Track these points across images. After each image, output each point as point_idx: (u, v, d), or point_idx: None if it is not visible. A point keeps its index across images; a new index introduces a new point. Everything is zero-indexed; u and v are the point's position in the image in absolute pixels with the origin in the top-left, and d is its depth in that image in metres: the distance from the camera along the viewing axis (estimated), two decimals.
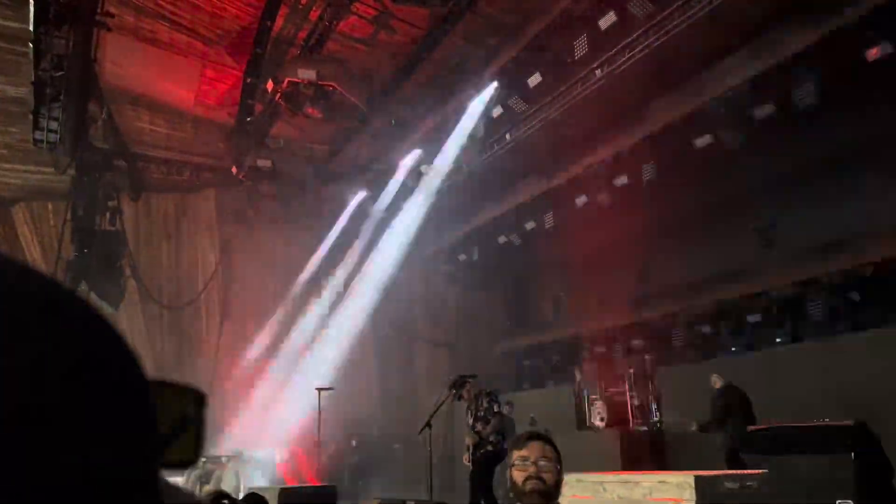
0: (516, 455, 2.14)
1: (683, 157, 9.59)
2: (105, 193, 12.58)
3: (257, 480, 10.86)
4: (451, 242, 14.50)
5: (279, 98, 10.09)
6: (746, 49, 8.61)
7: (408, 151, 12.60)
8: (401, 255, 13.20)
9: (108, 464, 0.34)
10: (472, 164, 11.66)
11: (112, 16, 8.87)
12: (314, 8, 9.32)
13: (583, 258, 12.14)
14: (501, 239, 13.18)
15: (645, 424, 10.62)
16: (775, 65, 8.26)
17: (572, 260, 12.72)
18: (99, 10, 8.74)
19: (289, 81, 9.74)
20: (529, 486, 2.07)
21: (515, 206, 12.73)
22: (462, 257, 14.49)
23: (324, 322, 14.08)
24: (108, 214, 12.62)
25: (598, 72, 9.04)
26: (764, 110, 8.50)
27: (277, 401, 12.87)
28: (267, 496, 3.97)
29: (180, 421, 0.45)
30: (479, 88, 10.52)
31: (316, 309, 14.28)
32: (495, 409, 7.34)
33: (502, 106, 10.30)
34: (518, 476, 2.10)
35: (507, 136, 10.92)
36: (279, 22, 9.48)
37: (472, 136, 11.09)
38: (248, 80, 10.31)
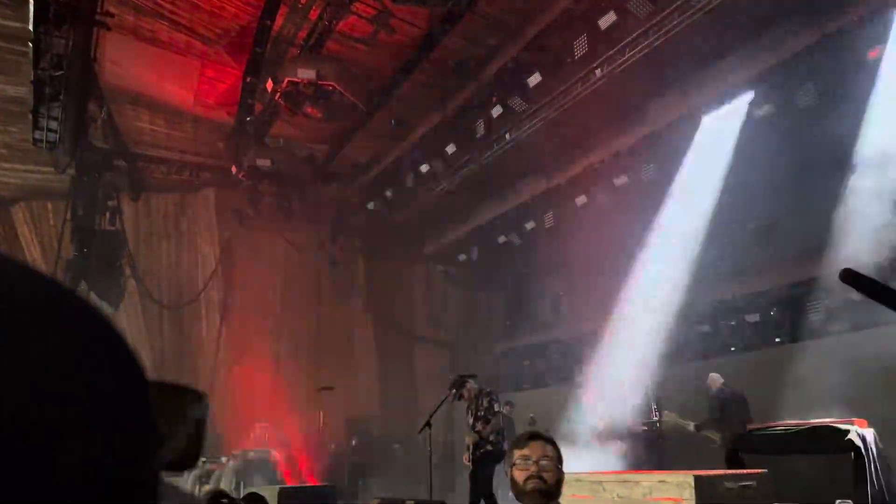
0: (518, 454, 2.14)
1: (683, 157, 9.60)
2: (105, 193, 12.58)
3: (257, 480, 10.86)
4: (451, 242, 14.50)
5: (279, 98, 10.09)
6: (746, 49, 8.61)
7: (408, 151, 12.60)
8: (401, 254, 13.19)
9: (108, 464, 0.34)
10: (472, 163, 11.66)
11: (112, 15, 8.87)
12: (314, 7, 9.32)
13: (583, 258, 12.14)
14: (501, 239, 13.18)
15: (645, 424, 10.62)
16: (775, 65, 8.27)
17: (572, 260, 12.72)
18: (99, 10, 8.74)
19: (288, 81, 9.74)
20: (531, 485, 2.08)
21: (515, 206, 12.73)
22: (462, 257, 14.50)
23: (323, 322, 14.08)
24: (107, 214, 12.62)
25: (598, 71, 9.04)
26: (764, 110, 8.51)
27: (277, 401, 12.87)
28: (266, 496, 3.98)
29: (180, 422, 0.45)
30: (479, 88, 10.52)
31: (316, 309, 14.28)
32: (495, 409, 7.35)
33: (502, 105, 10.30)
34: (519, 475, 2.10)
35: (507, 136, 10.92)
36: (279, 21, 9.48)
37: (472, 136, 11.10)
38: (248, 80, 10.30)
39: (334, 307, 15.15)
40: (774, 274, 9.84)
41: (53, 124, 10.10)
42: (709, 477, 4.52)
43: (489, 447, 7.16)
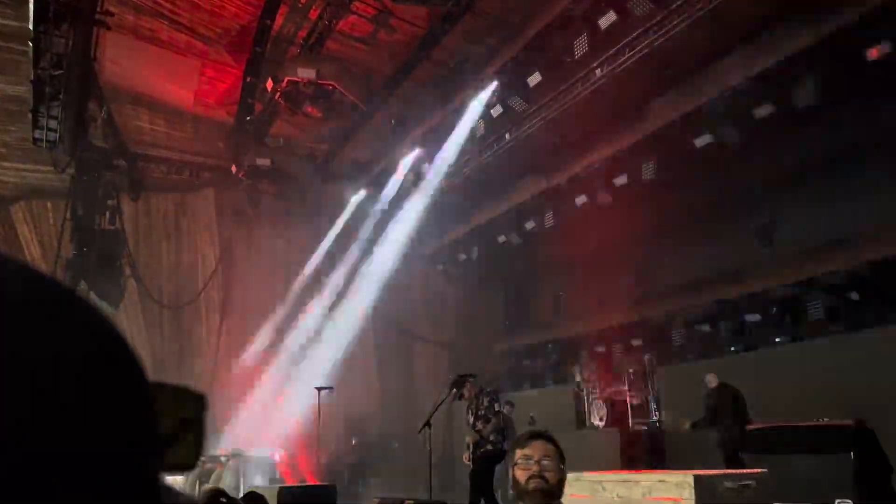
0: (519, 454, 2.13)
1: (683, 157, 9.60)
2: (105, 192, 12.58)
3: (257, 480, 10.86)
4: (451, 242, 14.50)
5: (279, 97, 10.09)
6: (746, 49, 8.60)
7: (408, 150, 12.60)
8: (400, 254, 13.20)
9: (108, 466, 0.34)
10: (472, 163, 11.66)
11: (112, 14, 8.87)
12: (314, 7, 9.32)
13: (583, 258, 12.14)
14: (501, 238, 13.18)
15: (644, 424, 10.64)
16: (775, 65, 8.26)
17: (572, 260, 12.72)
18: (99, 9, 8.74)
19: (288, 80, 9.74)
20: (532, 484, 2.07)
21: (515, 206, 12.73)
22: (462, 257, 14.50)
23: (324, 321, 14.08)
24: (107, 213, 12.62)
25: (598, 71, 9.03)
26: (764, 110, 8.50)
27: (277, 400, 12.87)
28: (266, 495, 3.97)
29: (180, 424, 0.45)
30: (478, 88, 10.52)
31: (316, 308, 14.28)
32: (496, 409, 7.35)
33: (502, 105, 10.30)
34: (521, 475, 2.10)
35: (507, 136, 10.91)
36: (279, 21, 9.48)
37: (472, 136, 11.10)
38: (248, 79, 10.30)
39: None
40: (774, 274, 9.85)
41: (53, 123, 10.10)
42: (708, 476, 4.52)
43: (489, 447, 7.16)
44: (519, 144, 10.87)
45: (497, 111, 10.41)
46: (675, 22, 8.02)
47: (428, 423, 6.92)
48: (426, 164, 12.18)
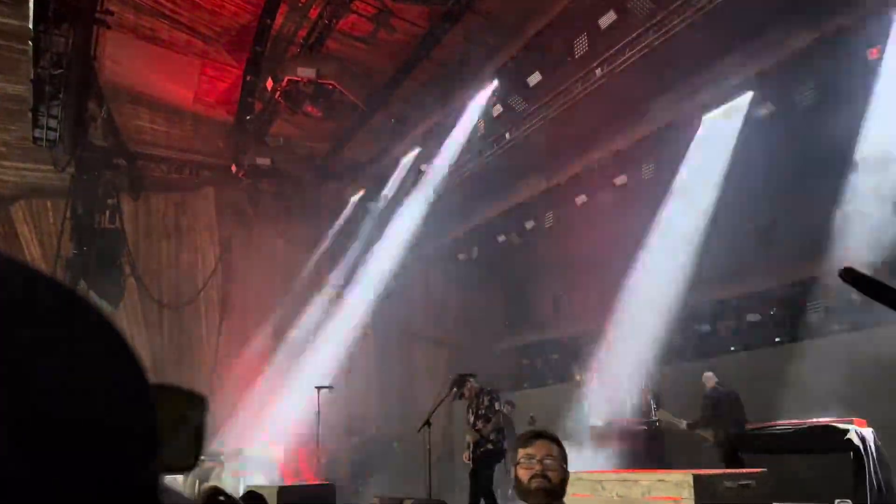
0: (522, 453, 2.13)
1: (683, 157, 9.60)
2: (104, 192, 12.57)
3: (256, 479, 10.85)
4: (451, 242, 14.50)
5: (279, 96, 10.09)
6: (746, 49, 8.60)
7: (408, 150, 12.60)
8: (400, 254, 13.20)
9: (108, 467, 0.34)
10: (472, 163, 11.66)
11: (112, 13, 8.87)
12: (314, 6, 9.32)
13: (583, 257, 12.14)
14: (501, 238, 13.19)
15: (644, 423, 10.62)
16: (775, 65, 8.27)
17: (572, 259, 12.73)
18: (99, 8, 8.73)
19: (288, 80, 9.74)
20: (535, 484, 2.07)
21: (515, 205, 12.73)
22: (462, 256, 14.50)
23: (324, 321, 14.08)
24: (107, 213, 12.61)
25: (598, 71, 9.04)
26: (764, 110, 8.51)
27: (277, 399, 12.86)
28: (266, 495, 3.97)
29: (180, 425, 0.45)
30: (478, 88, 10.52)
31: (316, 308, 14.28)
32: (496, 408, 7.36)
33: (502, 105, 10.30)
34: (523, 474, 2.09)
35: (507, 136, 10.91)
36: (279, 20, 9.48)
37: (472, 136, 11.10)
38: (248, 79, 10.30)
39: None
40: (774, 274, 9.85)
41: (53, 123, 10.10)
42: (708, 476, 4.52)
43: (490, 446, 7.17)
44: (519, 144, 10.88)
45: (497, 111, 10.41)
46: (674, 22, 8.03)
47: (428, 423, 6.93)
48: (426, 164, 12.18)
